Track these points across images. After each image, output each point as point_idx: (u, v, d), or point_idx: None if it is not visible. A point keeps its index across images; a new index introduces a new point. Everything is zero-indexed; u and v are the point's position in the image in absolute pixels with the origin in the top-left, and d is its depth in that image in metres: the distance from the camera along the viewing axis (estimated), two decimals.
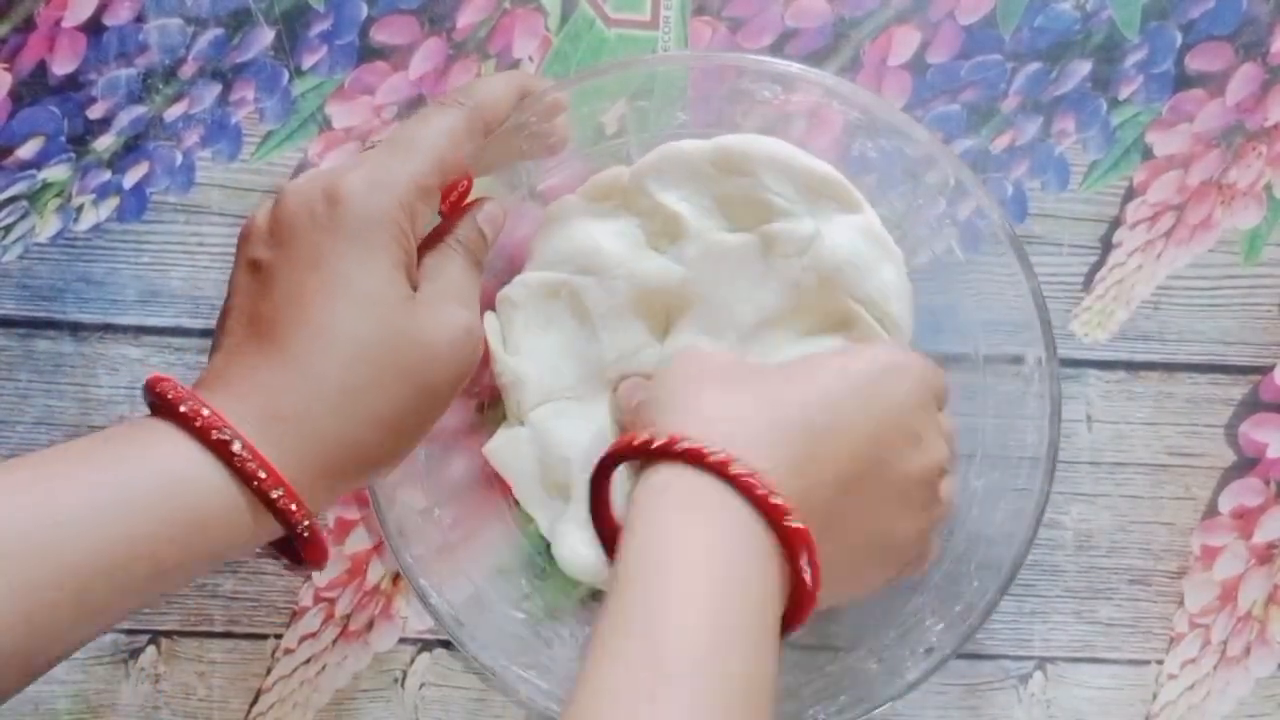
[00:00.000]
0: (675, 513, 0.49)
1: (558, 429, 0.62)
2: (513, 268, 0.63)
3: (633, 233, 0.62)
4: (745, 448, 0.49)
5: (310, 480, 0.49)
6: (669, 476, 0.49)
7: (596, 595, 0.63)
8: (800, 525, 0.48)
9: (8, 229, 0.66)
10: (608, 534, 0.53)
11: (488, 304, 0.62)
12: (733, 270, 0.61)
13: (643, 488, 0.50)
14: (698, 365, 0.55)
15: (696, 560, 0.47)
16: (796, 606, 0.49)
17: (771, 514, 0.48)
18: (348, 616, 0.67)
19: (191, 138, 0.66)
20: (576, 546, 0.61)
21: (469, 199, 0.56)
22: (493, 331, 0.62)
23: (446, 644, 0.67)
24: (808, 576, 0.49)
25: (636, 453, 0.50)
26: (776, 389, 0.52)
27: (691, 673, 0.44)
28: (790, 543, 0.48)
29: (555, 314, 0.62)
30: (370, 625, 0.67)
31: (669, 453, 0.49)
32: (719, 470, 0.48)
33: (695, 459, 0.48)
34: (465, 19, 0.66)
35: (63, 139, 0.66)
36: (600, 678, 0.45)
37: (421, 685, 0.67)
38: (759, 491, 0.48)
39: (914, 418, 0.54)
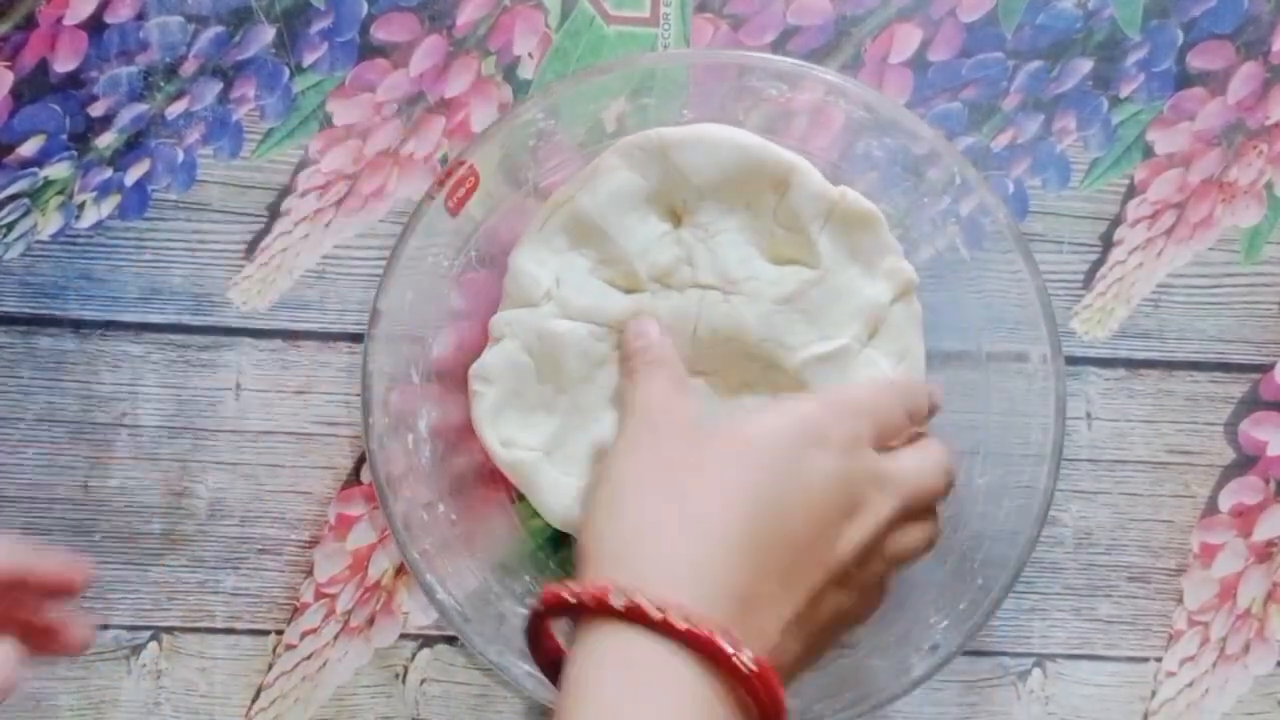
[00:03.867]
0: (630, 680, 0.46)
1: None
2: None
3: (585, 276, 0.62)
4: (684, 585, 0.47)
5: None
6: (607, 637, 0.47)
7: None
8: (759, 668, 0.46)
9: (10, 226, 0.66)
10: (551, 666, 0.52)
11: (492, 309, 0.62)
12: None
13: (580, 648, 0.48)
14: (632, 471, 0.52)
15: None
16: None
17: (729, 668, 0.46)
18: (349, 612, 0.67)
19: (192, 135, 0.66)
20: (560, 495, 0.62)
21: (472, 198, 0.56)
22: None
23: (448, 640, 0.67)
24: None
25: (571, 610, 0.48)
26: (700, 503, 0.49)
27: None
28: (753, 689, 0.47)
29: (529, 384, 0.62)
30: (371, 621, 0.67)
31: (607, 609, 0.47)
32: (664, 630, 0.46)
33: (656, 626, 0.46)
34: (465, 16, 0.66)
35: (64, 137, 0.66)
36: None
37: (422, 681, 0.67)
38: (716, 647, 0.46)
39: (843, 489, 0.51)
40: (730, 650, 0.46)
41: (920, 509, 0.54)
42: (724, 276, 0.60)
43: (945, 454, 0.56)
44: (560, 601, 0.48)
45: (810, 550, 0.50)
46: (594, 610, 0.47)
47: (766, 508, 0.50)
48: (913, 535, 0.54)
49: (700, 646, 0.46)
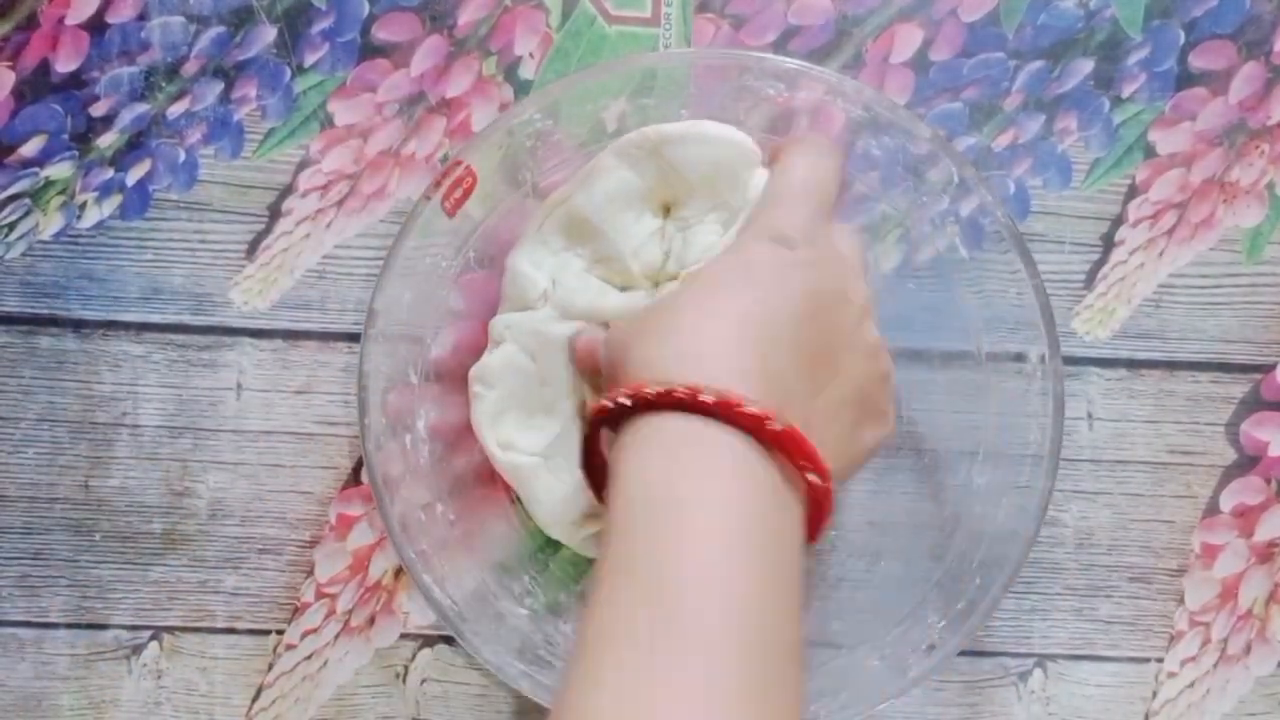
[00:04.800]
0: (671, 456, 0.48)
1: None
2: None
3: (581, 275, 0.62)
4: (721, 375, 0.49)
5: None
6: (658, 423, 0.49)
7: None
8: (800, 435, 0.49)
9: (11, 226, 0.66)
10: (599, 478, 0.54)
11: (491, 309, 0.62)
12: None
13: (622, 442, 0.49)
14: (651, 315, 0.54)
15: (706, 496, 0.47)
16: (815, 513, 0.50)
17: (774, 440, 0.48)
18: (349, 612, 0.67)
19: (194, 135, 0.66)
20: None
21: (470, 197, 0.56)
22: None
23: (448, 639, 0.67)
24: (816, 480, 0.49)
25: (629, 409, 0.50)
26: (724, 303, 0.52)
27: (709, 609, 0.44)
28: (792, 455, 0.49)
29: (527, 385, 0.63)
30: (372, 621, 0.67)
31: (666, 402, 0.48)
32: (711, 411, 0.48)
33: (688, 405, 0.48)
34: (466, 16, 0.66)
35: (65, 137, 0.66)
36: (607, 619, 0.45)
37: (423, 681, 0.67)
38: (757, 419, 0.48)
39: (829, 274, 0.54)
40: (758, 412, 0.48)
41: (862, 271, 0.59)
42: (689, 265, 0.60)
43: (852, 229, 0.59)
44: (604, 410, 0.50)
45: (815, 325, 0.53)
46: (631, 410, 0.49)
47: (770, 299, 0.52)
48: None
49: (731, 416, 0.48)
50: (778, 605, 0.46)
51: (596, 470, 0.55)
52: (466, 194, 0.56)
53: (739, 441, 0.48)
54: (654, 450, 0.49)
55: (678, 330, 0.51)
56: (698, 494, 0.47)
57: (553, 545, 0.65)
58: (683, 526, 0.46)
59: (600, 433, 0.54)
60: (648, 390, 0.49)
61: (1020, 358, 0.62)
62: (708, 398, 0.48)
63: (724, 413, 0.48)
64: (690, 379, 0.48)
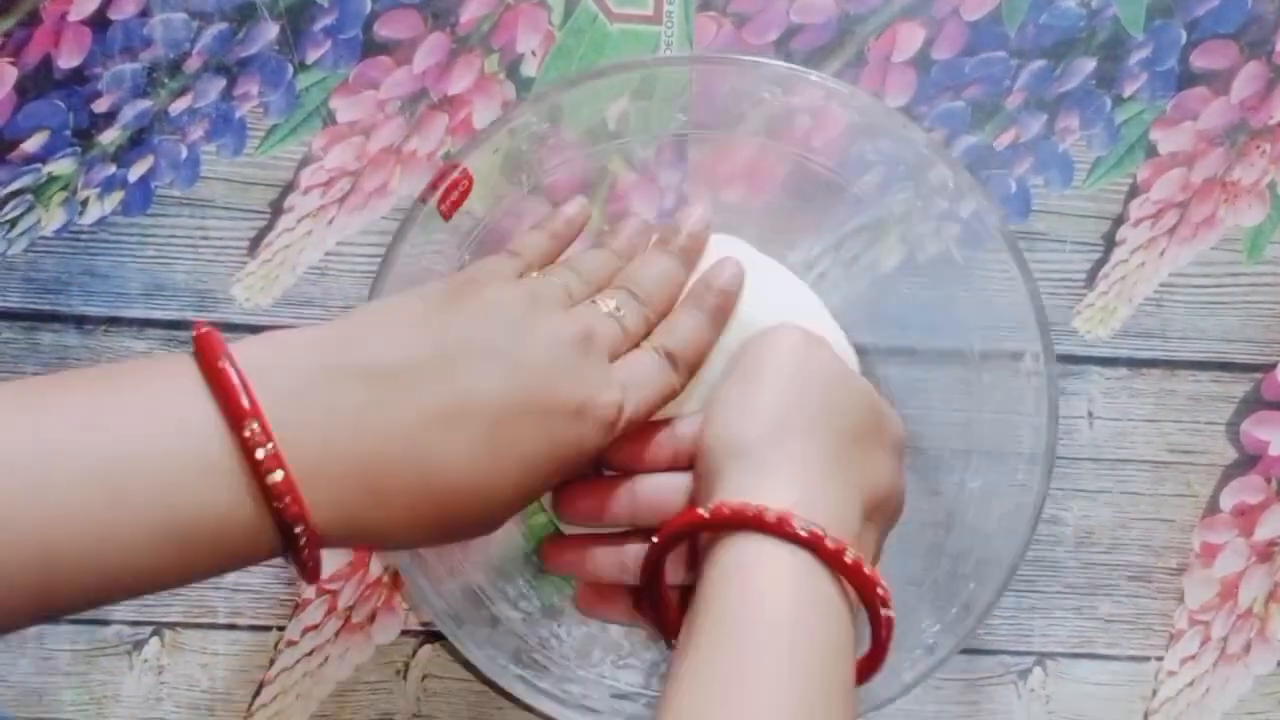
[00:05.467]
0: (755, 582, 0.49)
1: None
2: None
3: None
4: (811, 503, 0.50)
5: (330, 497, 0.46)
6: (745, 547, 0.50)
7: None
8: (880, 583, 0.50)
9: (13, 222, 0.66)
10: (667, 615, 0.55)
11: None
12: None
13: (720, 561, 0.50)
14: (738, 411, 0.55)
15: (781, 620, 0.48)
16: (875, 649, 0.52)
17: (854, 577, 0.49)
18: (350, 609, 0.67)
19: (196, 132, 0.66)
20: None
21: (465, 202, 0.56)
22: None
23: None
24: (888, 614, 0.51)
25: (714, 525, 0.51)
26: (804, 418, 0.53)
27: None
28: (870, 598, 0.50)
29: None
30: (372, 617, 0.67)
31: (753, 524, 0.49)
32: (798, 540, 0.49)
33: (777, 530, 0.49)
34: (469, 14, 0.66)
35: (68, 133, 0.66)
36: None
37: (424, 677, 0.67)
38: (845, 559, 0.49)
39: (840, 377, 0.56)
40: (835, 547, 0.49)
41: None
42: None
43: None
44: (699, 519, 0.51)
45: (844, 434, 0.54)
46: (717, 525, 0.50)
47: (813, 405, 0.54)
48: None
49: (816, 548, 0.49)
50: None
51: (659, 597, 0.56)
52: (463, 196, 0.56)
53: (827, 578, 0.49)
54: (751, 577, 0.49)
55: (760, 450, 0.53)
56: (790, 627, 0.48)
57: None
58: (761, 646, 0.47)
59: (666, 558, 0.54)
60: (749, 510, 0.50)
61: (1016, 357, 0.62)
62: (831, 545, 0.49)
63: (828, 557, 0.49)
64: (800, 511, 0.50)
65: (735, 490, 0.51)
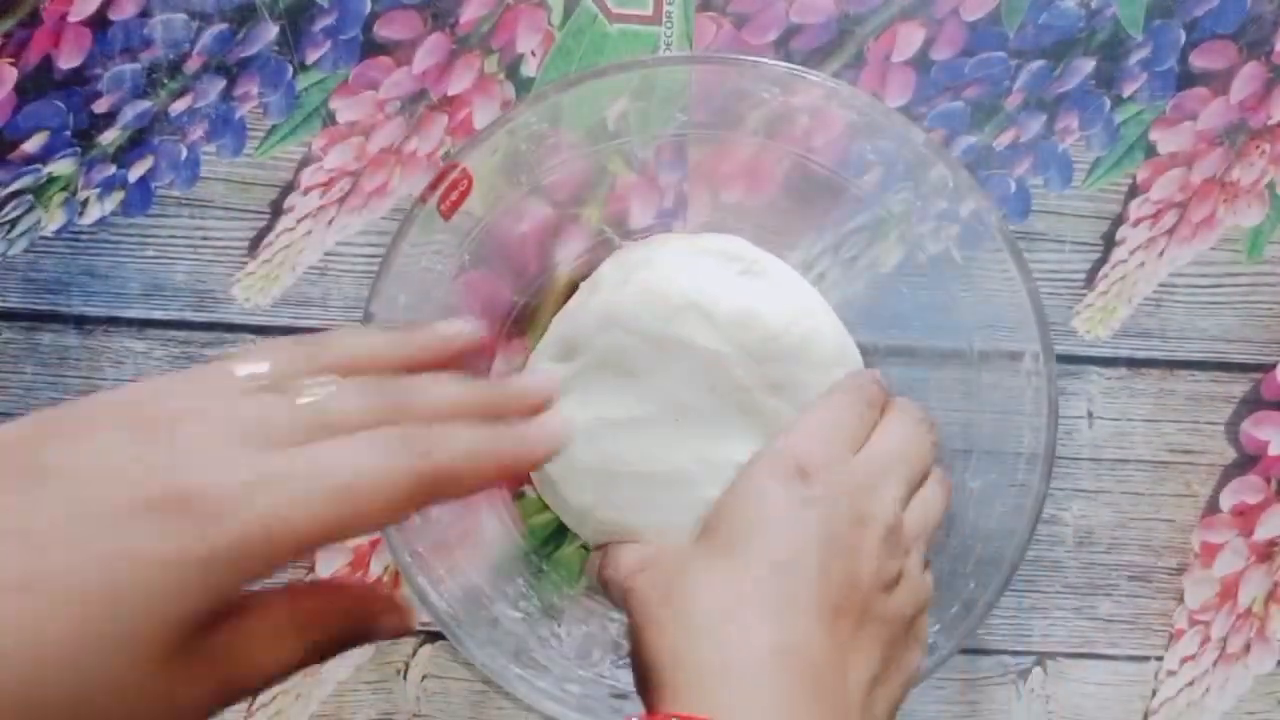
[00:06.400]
0: None
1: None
2: (511, 266, 0.63)
3: None
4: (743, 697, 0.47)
5: None
6: None
7: (593, 593, 0.64)
8: None
9: (13, 223, 0.66)
10: None
11: (490, 308, 0.62)
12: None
13: None
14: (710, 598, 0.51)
15: None
16: None
17: None
18: None
19: (196, 132, 0.66)
20: None
21: (465, 202, 0.56)
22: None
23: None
24: None
25: None
26: (743, 584, 0.50)
27: None
28: None
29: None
30: None
31: None
32: None
33: None
34: (468, 14, 0.66)
35: (68, 133, 0.66)
36: None
37: (423, 677, 0.67)
38: None
39: (845, 507, 0.52)
40: None
41: (921, 475, 0.55)
42: None
43: (918, 407, 0.56)
44: None
45: (859, 603, 0.51)
46: None
47: (792, 578, 0.50)
48: (925, 500, 0.55)
49: None
50: None
51: None
52: (462, 197, 0.56)
53: None
54: None
55: (707, 630, 0.49)
56: None
57: (548, 547, 0.65)
58: None
59: None
60: None
61: (1016, 357, 0.62)
62: None
63: None
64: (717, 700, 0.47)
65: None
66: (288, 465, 0.35)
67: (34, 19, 0.66)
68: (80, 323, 0.66)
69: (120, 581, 0.33)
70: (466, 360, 0.44)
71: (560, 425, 0.44)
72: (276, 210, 0.66)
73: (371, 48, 0.66)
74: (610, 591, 0.57)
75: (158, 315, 0.67)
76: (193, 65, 0.66)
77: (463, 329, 0.44)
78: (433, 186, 0.60)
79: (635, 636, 0.52)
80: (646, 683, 0.50)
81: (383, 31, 0.66)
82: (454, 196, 0.55)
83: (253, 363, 0.38)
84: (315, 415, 0.37)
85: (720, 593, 0.50)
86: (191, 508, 0.33)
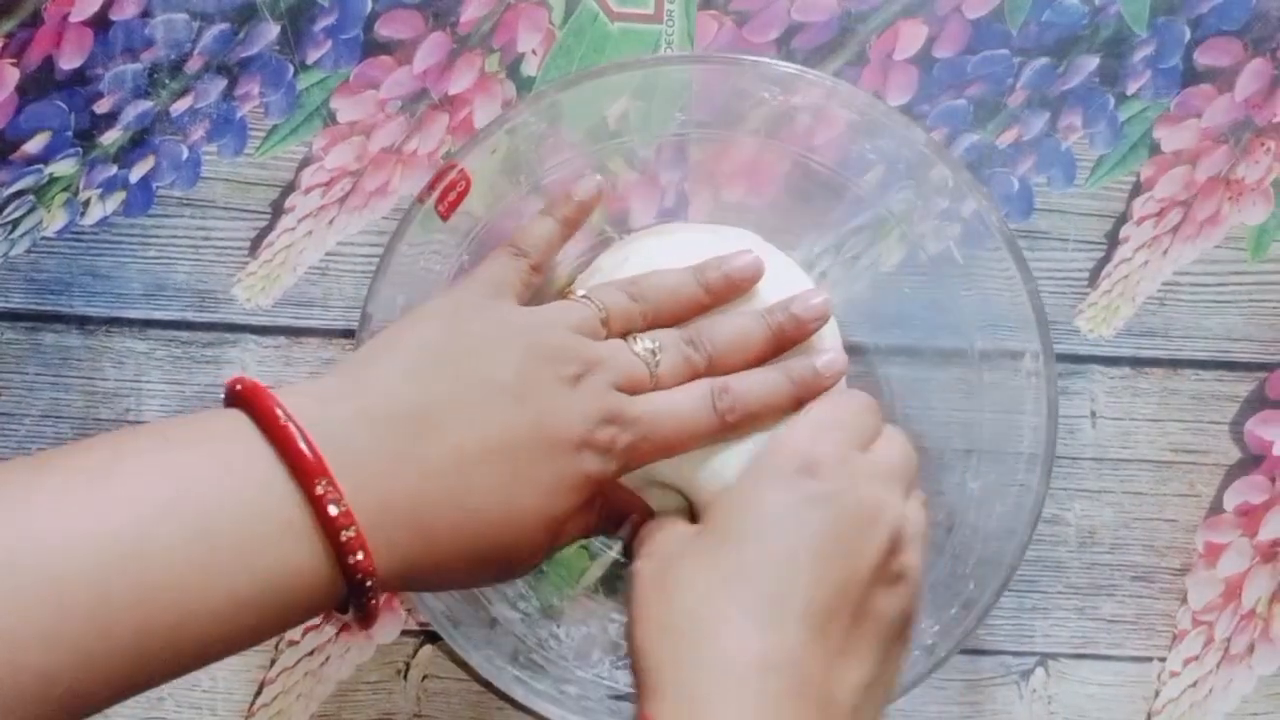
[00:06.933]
0: None
1: None
2: None
3: None
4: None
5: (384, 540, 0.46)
6: None
7: (592, 593, 0.64)
8: None
9: (15, 223, 0.66)
10: None
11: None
12: None
13: None
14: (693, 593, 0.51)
15: None
16: None
17: None
18: None
19: (197, 132, 0.66)
20: None
21: (464, 203, 0.56)
22: None
23: None
24: None
25: None
26: (737, 588, 0.50)
27: None
28: None
29: None
30: None
31: None
32: None
33: None
34: (469, 13, 0.66)
35: (69, 134, 0.66)
36: None
37: (424, 677, 0.67)
38: None
39: (853, 502, 0.52)
40: None
41: (913, 488, 0.55)
42: None
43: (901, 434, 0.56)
44: None
45: (855, 602, 0.50)
46: None
47: (788, 574, 0.50)
48: (919, 509, 0.55)
49: None
50: None
51: None
52: (460, 197, 0.56)
53: None
54: None
55: (693, 631, 0.49)
56: None
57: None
58: None
59: None
60: None
61: (1016, 357, 0.61)
62: None
63: None
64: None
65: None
66: (650, 410, 0.54)
67: (35, 19, 0.66)
68: (82, 323, 0.66)
69: (562, 484, 0.51)
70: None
71: (839, 358, 0.58)
72: (277, 210, 0.66)
73: (372, 47, 0.66)
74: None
75: (159, 315, 0.67)
76: (194, 65, 0.66)
77: (596, 181, 0.61)
78: (430, 187, 0.60)
79: (629, 614, 0.52)
80: (635, 668, 0.50)
81: (383, 31, 0.66)
82: (452, 197, 0.55)
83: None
84: (649, 372, 0.55)
85: (712, 590, 0.50)
86: (586, 448, 0.51)
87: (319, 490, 0.45)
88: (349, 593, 0.46)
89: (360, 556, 0.45)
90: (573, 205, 0.60)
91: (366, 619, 0.47)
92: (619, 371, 0.54)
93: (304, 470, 0.45)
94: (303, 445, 0.45)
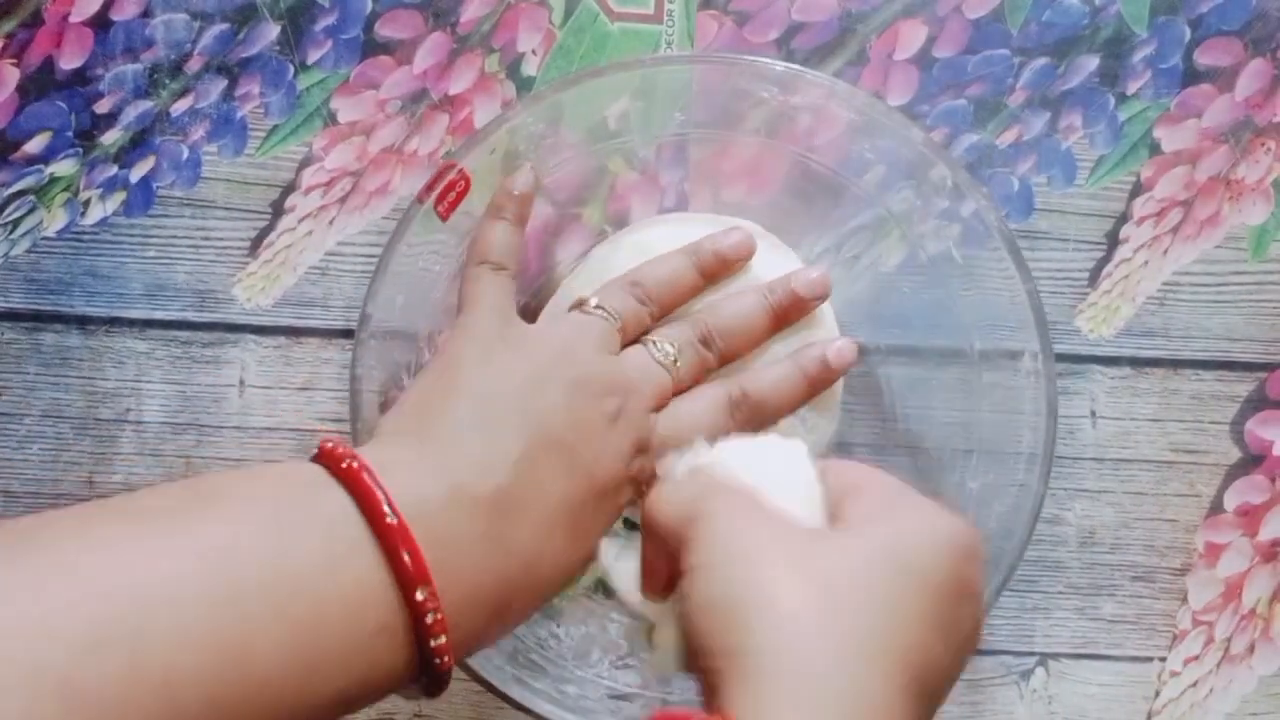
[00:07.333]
0: None
1: None
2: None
3: None
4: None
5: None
6: None
7: (592, 593, 0.64)
8: None
9: (15, 223, 0.66)
10: None
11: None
12: None
13: None
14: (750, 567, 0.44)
15: None
16: None
17: None
18: None
19: (197, 132, 0.66)
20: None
21: (464, 203, 0.56)
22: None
23: None
24: None
25: None
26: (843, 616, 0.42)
27: None
28: None
29: None
30: None
31: None
32: None
33: None
34: (469, 13, 0.66)
35: (70, 134, 0.66)
36: None
37: None
38: None
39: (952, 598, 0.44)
40: None
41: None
42: None
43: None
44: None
45: (937, 688, 0.44)
46: None
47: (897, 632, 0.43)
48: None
49: None
50: None
51: None
52: (460, 197, 0.56)
53: None
54: None
55: (779, 636, 0.42)
56: None
57: None
58: None
59: None
60: None
61: (1016, 357, 0.61)
62: None
63: None
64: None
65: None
66: (673, 426, 0.56)
67: (36, 20, 0.66)
68: (82, 323, 0.66)
69: (606, 524, 0.53)
70: None
71: (848, 348, 0.60)
72: (277, 210, 0.66)
73: (372, 47, 0.66)
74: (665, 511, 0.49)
75: (159, 315, 0.67)
76: (194, 65, 0.66)
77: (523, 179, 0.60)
78: (429, 187, 0.60)
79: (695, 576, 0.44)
80: (699, 635, 0.43)
81: (384, 31, 0.66)
82: (451, 197, 0.55)
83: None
84: (671, 378, 0.57)
85: (815, 590, 0.42)
86: (626, 485, 0.54)
87: (419, 597, 0.45)
88: (421, 670, 0.47)
89: (445, 659, 0.46)
90: (519, 201, 0.60)
91: (436, 690, 0.48)
92: (651, 394, 0.56)
93: (407, 578, 0.45)
94: (406, 557, 0.45)
